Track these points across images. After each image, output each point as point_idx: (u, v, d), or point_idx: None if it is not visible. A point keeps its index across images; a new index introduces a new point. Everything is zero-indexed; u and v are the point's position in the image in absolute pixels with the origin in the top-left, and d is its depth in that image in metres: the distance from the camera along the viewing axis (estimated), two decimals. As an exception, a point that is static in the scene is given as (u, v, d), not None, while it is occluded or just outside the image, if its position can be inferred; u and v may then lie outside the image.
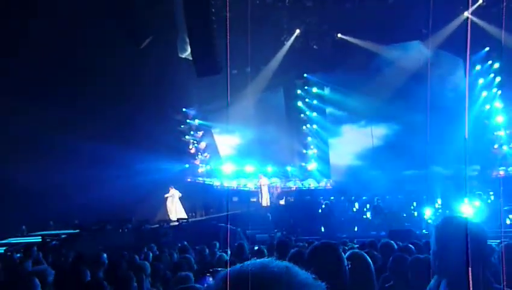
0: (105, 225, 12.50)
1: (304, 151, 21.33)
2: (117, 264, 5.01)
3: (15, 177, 14.08)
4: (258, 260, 0.75)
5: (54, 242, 10.05)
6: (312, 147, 21.21)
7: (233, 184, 20.09)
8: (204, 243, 9.60)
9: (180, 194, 16.43)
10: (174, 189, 16.52)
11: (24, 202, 13.96)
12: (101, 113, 16.49)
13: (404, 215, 14.23)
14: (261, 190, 16.84)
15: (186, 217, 15.10)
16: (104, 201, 16.31)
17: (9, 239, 11.70)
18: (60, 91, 14.79)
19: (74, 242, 10.85)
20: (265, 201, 16.63)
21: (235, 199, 17.82)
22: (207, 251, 7.91)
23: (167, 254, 6.69)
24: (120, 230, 12.64)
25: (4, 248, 7.71)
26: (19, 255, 6.44)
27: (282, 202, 18.08)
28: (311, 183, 19.98)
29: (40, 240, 10.27)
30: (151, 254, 7.25)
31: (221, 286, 0.70)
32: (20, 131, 14.56)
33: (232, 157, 21.08)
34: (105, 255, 5.34)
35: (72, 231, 12.44)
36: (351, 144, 19.52)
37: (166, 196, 16.28)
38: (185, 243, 8.92)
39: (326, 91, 20.48)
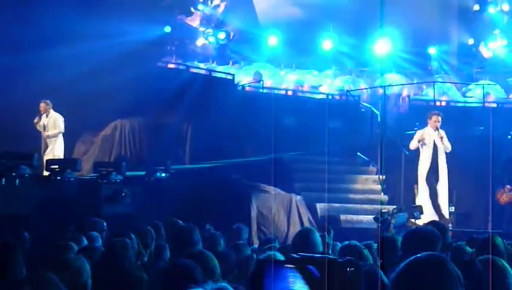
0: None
1: (476, 7, 21.68)
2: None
3: None
4: None
5: None
6: None
7: (287, 84, 20.79)
8: (214, 222, 10.61)
9: (62, 121, 17.04)
10: (51, 108, 17.06)
11: None
12: None
13: None
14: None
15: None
16: None
17: None
18: None
19: None
20: None
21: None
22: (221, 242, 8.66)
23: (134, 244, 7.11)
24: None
25: None
26: None
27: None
28: (491, 94, 20.39)
29: None
30: (85, 242, 7.78)
31: None
32: None
33: (287, 23, 21.43)
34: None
35: None
36: None
37: (36, 122, 17.05)
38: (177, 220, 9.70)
39: None
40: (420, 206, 14.79)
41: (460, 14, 21.81)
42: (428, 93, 20.32)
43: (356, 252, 7.08)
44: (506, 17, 21.60)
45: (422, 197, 15.73)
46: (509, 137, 17.30)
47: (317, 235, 7.77)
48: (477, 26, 21.69)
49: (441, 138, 15.67)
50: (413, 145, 15.86)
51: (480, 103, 19.54)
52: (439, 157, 15.83)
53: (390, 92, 20.00)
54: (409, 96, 20.21)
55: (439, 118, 15.92)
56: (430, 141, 15.79)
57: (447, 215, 15.74)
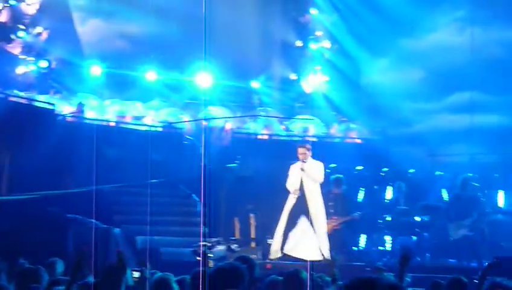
0: None
1: (299, 43, 22.12)
2: None
3: None
4: None
5: None
6: (321, 33, 22.08)
7: (110, 115, 20.67)
8: (29, 256, 10.37)
9: None
10: None
11: None
12: None
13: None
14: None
15: None
16: None
17: None
18: None
19: None
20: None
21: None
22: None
23: None
24: None
25: None
26: None
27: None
28: (311, 128, 20.90)
29: None
30: None
31: None
32: None
33: (112, 55, 21.58)
34: None
35: None
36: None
37: None
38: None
39: None
40: (239, 239, 15.03)
41: (283, 49, 22.19)
42: (251, 126, 20.67)
43: (165, 286, 7.07)
44: (327, 53, 22.24)
45: (281, 231, 15.70)
46: (327, 171, 17.77)
47: (129, 271, 7.73)
48: (300, 61, 22.20)
49: (302, 169, 15.50)
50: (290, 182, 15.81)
51: (301, 137, 20.04)
52: (306, 190, 15.69)
53: (214, 125, 20.21)
54: (232, 129, 20.39)
55: (304, 150, 15.79)
56: (296, 175, 15.69)
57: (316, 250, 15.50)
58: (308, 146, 16.14)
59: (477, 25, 21.59)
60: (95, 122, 19.80)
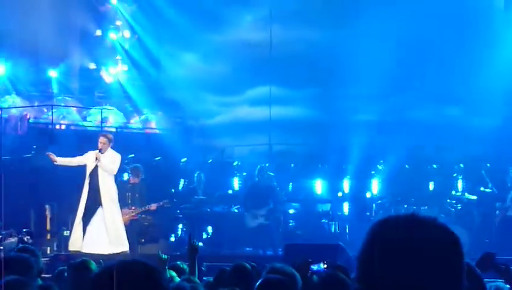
0: None
1: (98, 33, 22.22)
2: None
3: None
4: None
5: None
6: (120, 23, 22.33)
7: None
8: None
9: None
10: None
11: None
12: None
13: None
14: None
15: None
16: None
17: None
18: None
19: None
20: None
21: None
22: None
23: None
24: None
25: None
26: None
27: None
28: (110, 118, 20.91)
29: None
30: None
31: None
32: None
33: None
34: None
35: None
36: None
37: None
38: None
39: None
40: (31, 231, 14.60)
41: (82, 38, 21.91)
42: (49, 116, 20.12)
43: None
44: (127, 43, 22.13)
45: (78, 223, 15.41)
46: (125, 161, 17.61)
47: None
48: (99, 51, 21.98)
49: (98, 159, 15.30)
50: (74, 161, 15.62)
51: (99, 127, 19.73)
52: (100, 180, 15.50)
53: (9, 115, 19.53)
54: (28, 119, 19.78)
55: (104, 139, 15.69)
56: (90, 163, 15.48)
57: (108, 243, 15.31)
58: (110, 136, 16.00)
59: (277, 23, 22.14)
60: None
